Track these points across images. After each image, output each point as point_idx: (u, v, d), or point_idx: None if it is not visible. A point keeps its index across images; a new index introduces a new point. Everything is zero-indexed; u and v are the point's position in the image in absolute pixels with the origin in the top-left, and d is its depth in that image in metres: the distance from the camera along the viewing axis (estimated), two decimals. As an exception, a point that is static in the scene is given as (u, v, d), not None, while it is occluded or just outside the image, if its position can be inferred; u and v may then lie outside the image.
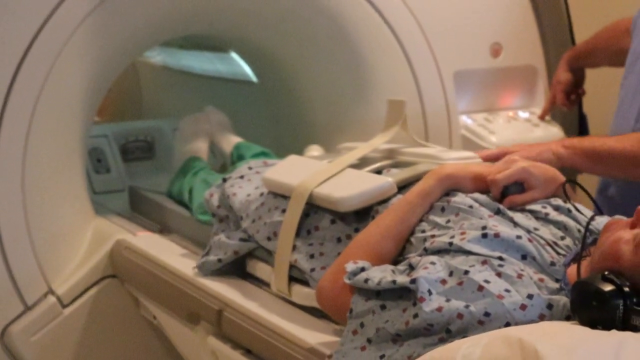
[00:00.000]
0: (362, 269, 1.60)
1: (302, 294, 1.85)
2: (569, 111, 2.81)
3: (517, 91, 2.89)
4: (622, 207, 1.93)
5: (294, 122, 2.95)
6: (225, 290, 1.98)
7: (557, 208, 1.68)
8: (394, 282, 1.52)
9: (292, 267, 1.87)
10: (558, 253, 1.57)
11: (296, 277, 1.88)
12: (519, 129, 2.79)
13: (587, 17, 2.88)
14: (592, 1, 3.03)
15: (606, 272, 1.40)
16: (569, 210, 1.67)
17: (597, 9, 2.98)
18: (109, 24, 2.38)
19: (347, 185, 1.84)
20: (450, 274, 1.51)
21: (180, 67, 3.55)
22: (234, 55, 3.12)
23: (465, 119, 2.81)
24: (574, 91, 2.67)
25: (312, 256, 1.83)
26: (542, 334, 1.32)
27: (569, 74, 2.61)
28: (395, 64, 2.68)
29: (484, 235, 1.56)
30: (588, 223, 1.60)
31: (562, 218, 1.65)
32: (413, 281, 1.49)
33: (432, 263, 1.53)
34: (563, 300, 1.46)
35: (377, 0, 2.63)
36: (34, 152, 2.30)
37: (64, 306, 2.39)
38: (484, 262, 1.51)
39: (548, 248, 1.57)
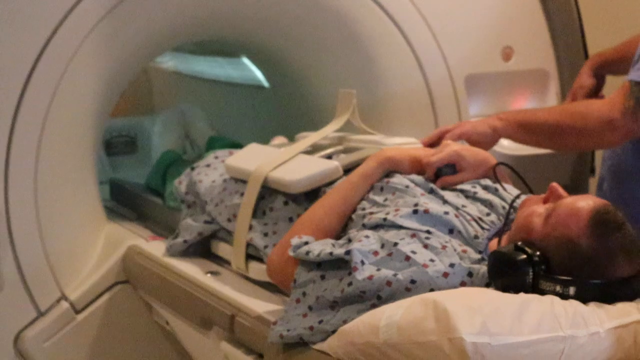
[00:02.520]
0: (306, 243, 1.75)
1: (258, 270, 2.00)
2: None
3: (529, 94, 2.87)
4: (612, 201, 2.08)
5: (305, 126, 2.86)
6: (237, 295, 1.98)
7: (485, 187, 1.84)
8: (331, 253, 1.67)
9: (249, 245, 2.03)
10: (482, 228, 1.72)
11: (253, 255, 2.03)
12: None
13: (599, 20, 2.87)
14: (603, 4, 2.94)
15: (519, 243, 1.55)
16: (496, 190, 1.83)
17: (608, 12, 2.92)
18: (121, 29, 2.36)
19: (298, 170, 2.00)
20: (382, 246, 1.66)
21: (192, 72, 3.55)
22: (246, 60, 3.13)
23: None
24: (594, 96, 2.57)
25: (266, 234, 1.99)
26: (456, 296, 1.47)
27: (592, 80, 2.51)
28: (407, 68, 2.67)
29: (415, 212, 1.71)
30: (512, 201, 1.75)
31: (489, 196, 1.80)
32: (348, 252, 1.64)
33: (366, 236, 1.68)
34: (483, 269, 1.61)
35: (389, 5, 2.62)
36: (47, 158, 2.28)
37: (77, 312, 2.38)
38: (413, 235, 1.66)
39: (473, 223, 1.72)
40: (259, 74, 3.13)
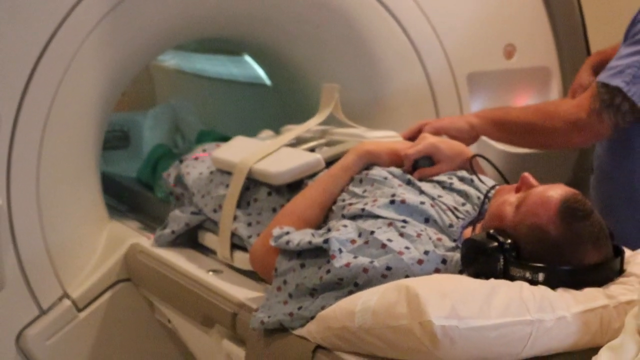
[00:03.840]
0: (287, 233, 1.80)
1: (242, 259, 2.06)
2: None
3: (531, 92, 2.85)
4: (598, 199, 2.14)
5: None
6: (239, 293, 1.98)
7: (461, 179, 1.89)
8: (310, 242, 1.72)
9: (234, 235, 2.08)
10: (457, 217, 1.78)
11: (238, 244, 2.09)
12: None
13: (601, 18, 2.84)
14: (605, 2, 2.91)
15: (491, 231, 1.60)
16: (472, 181, 1.88)
17: (610, 10, 2.87)
18: (123, 28, 2.35)
19: (282, 162, 2.06)
20: (360, 234, 1.71)
21: (194, 70, 3.54)
22: (248, 58, 3.13)
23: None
24: None
25: (250, 224, 2.05)
26: (428, 282, 1.52)
27: (592, 78, 2.50)
28: (409, 66, 2.67)
29: (392, 202, 1.77)
30: (488, 192, 1.81)
31: (464, 187, 1.85)
32: (326, 241, 1.69)
33: (344, 226, 1.73)
34: (457, 256, 1.66)
35: (390, 3, 2.61)
36: (49, 156, 2.28)
37: (79, 310, 2.37)
38: (389, 224, 1.72)
39: (449, 213, 1.78)
40: (261, 72, 3.14)
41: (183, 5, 2.45)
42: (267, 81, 3.13)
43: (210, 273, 2.11)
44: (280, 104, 3.10)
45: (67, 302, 2.35)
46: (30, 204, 2.26)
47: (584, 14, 2.85)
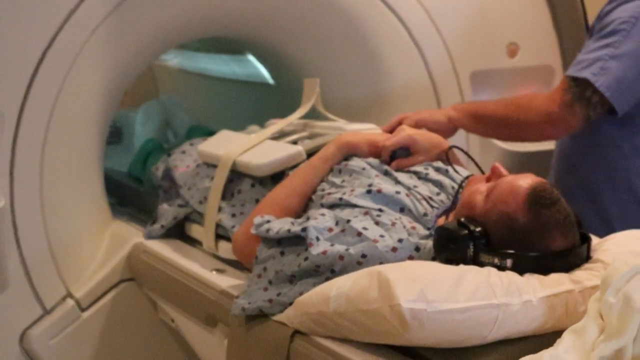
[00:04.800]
0: (267, 222, 1.86)
1: (227, 249, 2.11)
2: None
3: (534, 91, 2.83)
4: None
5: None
6: None
7: (437, 169, 1.95)
8: (289, 230, 1.78)
9: (219, 226, 2.14)
10: (432, 206, 1.84)
11: (223, 235, 2.15)
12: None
13: None
14: None
15: (462, 219, 1.66)
16: (447, 171, 1.94)
17: None
18: (126, 27, 2.35)
19: (264, 154, 2.12)
20: (337, 223, 1.77)
21: (197, 69, 3.52)
22: (251, 57, 3.13)
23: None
24: None
25: (234, 215, 2.10)
26: (399, 268, 1.58)
27: None
28: (412, 64, 2.68)
29: (369, 192, 1.83)
30: (462, 182, 1.86)
31: (439, 177, 1.91)
32: (304, 229, 1.75)
33: (322, 214, 1.79)
34: (430, 243, 1.72)
35: (393, 2, 2.62)
36: (52, 156, 2.28)
37: (83, 310, 2.37)
38: (365, 213, 1.78)
39: (423, 202, 1.84)
40: (264, 71, 3.14)
41: (186, 4, 2.46)
42: (270, 80, 3.13)
43: (214, 272, 2.11)
44: (283, 102, 3.05)
45: (70, 302, 2.36)
46: (33, 203, 2.27)
47: (586, 13, 2.86)
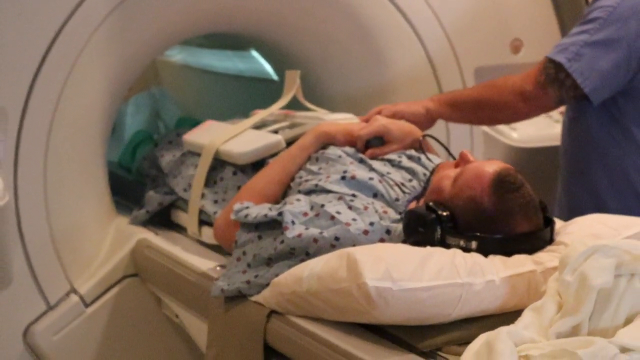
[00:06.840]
0: (246, 208, 1.93)
1: (209, 234, 2.19)
2: None
3: None
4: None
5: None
6: None
7: (410, 157, 2.03)
8: (266, 215, 1.85)
9: (202, 212, 2.21)
10: (404, 192, 1.91)
11: (206, 220, 2.22)
12: (540, 125, 2.80)
13: None
14: None
15: (430, 203, 1.73)
16: (419, 159, 2.02)
17: None
18: (129, 24, 2.34)
19: (246, 143, 2.20)
20: (311, 207, 1.84)
21: (201, 65, 3.50)
22: (255, 53, 3.12)
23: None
24: None
25: (216, 202, 2.18)
26: (368, 249, 1.64)
27: None
28: (416, 61, 2.68)
29: (343, 178, 1.90)
30: (433, 169, 1.93)
31: (412, 165, 1.99)
32: (280, 214, 1.82)
33: (298, 200, 1.87)
34: (400, 227, 1.79)
35: None
36: (56, 151, 2.27)
37: (87, 305, 2.36)
38: (339, 198, 1.85)
39: (396, 188, 1.91)
40: (268, 67, 3.13)
41: (189, 0, 2.46)
42: (274, 76, 3.12)
43: (218, 268, 2.11)
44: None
45: (74, 298, 2.35)
46: (37, 199, 2.27)
47: (590, 9, 2.89)
